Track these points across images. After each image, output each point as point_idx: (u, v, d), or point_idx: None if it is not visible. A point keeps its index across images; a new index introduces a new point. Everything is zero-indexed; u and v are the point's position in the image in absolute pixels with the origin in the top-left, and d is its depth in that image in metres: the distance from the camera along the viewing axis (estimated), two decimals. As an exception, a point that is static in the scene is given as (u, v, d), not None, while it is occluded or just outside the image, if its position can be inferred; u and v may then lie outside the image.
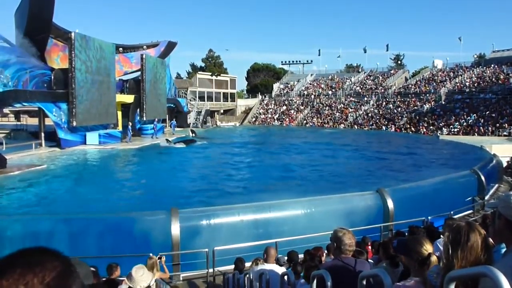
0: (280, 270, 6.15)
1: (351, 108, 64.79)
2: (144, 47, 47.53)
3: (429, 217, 11.92)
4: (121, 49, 44.45)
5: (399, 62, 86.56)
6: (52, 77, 30.94)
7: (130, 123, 37.99)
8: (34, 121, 35.75)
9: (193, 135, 43.92)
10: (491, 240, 2.46)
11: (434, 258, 3.07)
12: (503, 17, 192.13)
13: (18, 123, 40.86)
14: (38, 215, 12.24)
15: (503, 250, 2.24)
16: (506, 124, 44.11)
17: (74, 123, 30.75)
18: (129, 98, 40.06)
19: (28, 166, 23.14)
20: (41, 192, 17.87)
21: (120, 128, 37.94)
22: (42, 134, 31.34)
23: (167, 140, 36.99)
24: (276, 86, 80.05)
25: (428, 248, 3.18)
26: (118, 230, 11.00)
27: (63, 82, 30.59)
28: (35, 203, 16.09)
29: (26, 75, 28.66)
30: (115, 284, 5.63)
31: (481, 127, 45.79)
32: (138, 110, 40.87)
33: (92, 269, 4.59)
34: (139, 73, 42.24)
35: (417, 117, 54.82)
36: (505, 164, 24.65)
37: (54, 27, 34.91)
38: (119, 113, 38.85)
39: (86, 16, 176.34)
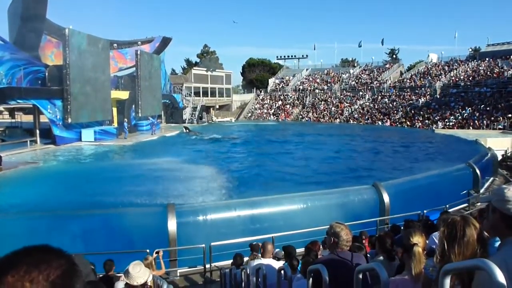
0: (277, 264, 6.17)
1: (347, 103, 64.85)
2: (139, 43, 47.31)
3: (425, 211, 11.96)
4: (115, 45, 44.23)
5: (394, 56, 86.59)
6: (47, 74, 30.80)
7: (126, 120, 37.95)
8: (29, 118, 35.60)
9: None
10: (486, 233, 2.47)
11: (418, 249, 3.09)
12: (498, 11, 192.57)
13: (12, 121, 40.63)
14: (34, 213, 12.20)
15: (497, 243, 2.25)
16: (501, 118, 44.27)
17: (69, 120, 30.63)
18: (124, 95, 39.90)
19: (24, 164, 23.05)
20: (37, 189, 17.79)
21: (115, 124, 37.86)
22: (37, 131, 31.19)
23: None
24: (271, 81, 79.92)
25: (416, 239, 3.20)
26: (115, 226, 11.00)
27: (57, 79, 30.43)
28: (31, 200, 16.02)
29: (20, 72, 28.52)
30: (111, 280, 5.64)
31: (476, 121, 45.94)
32: (134, 106, 40.76)
33: (91, 266, 4.59)
34: (134, 69, 42.08)
35: (413, 111, 54.93)
36: (500, 158, 24.77)
37: (48, 23, 34.70)
38: (114, 110, 38.73)
39: (80, 12, 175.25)
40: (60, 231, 10.28)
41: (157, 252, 8.53)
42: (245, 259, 8.41)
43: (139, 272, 4.50)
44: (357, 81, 70.65)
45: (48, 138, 31.11)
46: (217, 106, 72.33)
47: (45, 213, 11.86)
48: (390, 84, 65.27)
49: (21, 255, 1.04)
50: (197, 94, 65.68)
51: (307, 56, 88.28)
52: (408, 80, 64.42)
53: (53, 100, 29.92)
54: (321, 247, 6.77)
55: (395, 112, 56.97)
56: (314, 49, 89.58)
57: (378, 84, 66.39)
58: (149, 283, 4.77)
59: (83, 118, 32.38)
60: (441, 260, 2.29)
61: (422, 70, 66.22)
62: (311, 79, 77.02)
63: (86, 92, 32.33)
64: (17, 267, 0.99)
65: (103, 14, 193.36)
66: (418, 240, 3.20)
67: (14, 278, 0.97)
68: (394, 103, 59.39)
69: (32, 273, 0.99)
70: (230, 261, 9.12)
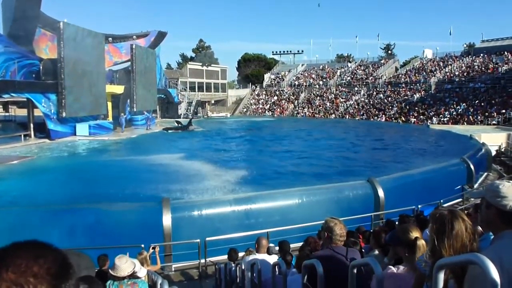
0: (272, 260, 6.18)
1: (342, 98, 64.90)
2: (134, 37, 47.06)
3: (419, 206, 12.02)
4: (110, 39, 44.00)
5: (389, 51, 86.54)
6: (41, 68, 30.63)
7: (123, 114, 37.95)
8: (23, 112, 35.38)
9: (179, 125, 43.59)
10: (479, 228, 2.48)
11: (421, 242, 3.11)
12: (492, 7, 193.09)
13: (6, 114, 40.37)
14: (27, 207, 12.16)
15: (491, 238, 2.26)
16: (495, 113, 44.42)
17: (64, 114, 30.50)
18: (119, 89, 39.74)
19: (17, 158, 22.93)
20: (30, 184, 17.72)
21: (110, 119, 37.73)
22: (31, 125, 31.05)
23: (164, 129, 41.48)
24: (267, 77, 79.82)
25: (414, 234, 3.21)
26: (109, 221, 10.97)
27: (52, 73, 30.27)
28: (24, 195, 15.96)
29: (14, 65, 28.33)
30: (105, 275, 5.63)
31: (470, 116, 46.10)
32: (129, 101, 40.59)
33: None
34: (129, 63, 41.88)
35: (408, 107, 55.04)
36: (494, 153, 24.87)
37: (43, 16, 34.46)
38: (109, 104, 38.59)
39: (75, 6, 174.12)
40: (54, 225, 10.24)
41: (154, 248, 8.51)
42: (240, 254, 8.42)
43: (126, 263, 4.51)
44: (352, 76, 70.68)
45: (42, 132, 30.98)
46: (213, 101, 72.21)
47: (38, 207, 11.82)
48: (385, 79, 65.32)
49: (15, 250, 1.03)
50: (192, 89, 65.53)
51: (302, 51, 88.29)
52: (403, 76, 64.49)
53: (47, 94, 29.77)
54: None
55: (390, 107, 57.07)
56: (310, 44, 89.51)
57: (373, 80, 66.45)
58: (142, 277, 4.77)
59: (77, 112, 32.24)
60: (432, 255, 2.30)
61: (417, 65, 66.28)
62: (306, 74, 76.99)
63: (80, 86, 32.17)
64: (15, 262, 0.99)
65: (98, 7, 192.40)
66: (417, 234, 3.22)
67: (16, 275, 0.97)
68: (389, 99, 59.49)
69: (33, 268, 0.99)
70: (225, 256, 9.13)
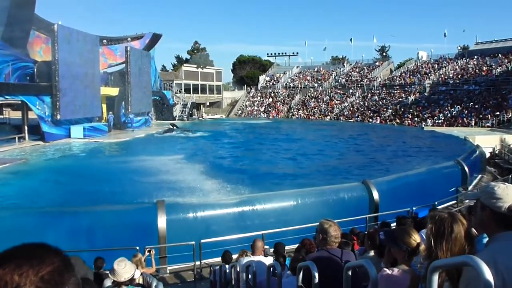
0: (267, 261, 6.17)
1: (337, 100, 65.02)
2: (129, 39, 46.99)
3: (414, 208, 12.05)
4: (105, 41, 43.91)
5: (384, 53, 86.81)
6: (35, 70, 30.56)
7: (111, 113, 38.14)
8: (17, 114, 35.26)
9: (174, 128, 43.57)
10: (474, 230, 2.49)
11: (423, 247, 3.12)
12: (486, 10, 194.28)
13: (0, 117, 40.18)
14: (22, 209, 12.09)
15: (485, 240, 2.27)
16: (489, 115, 44.61)
17: (58, 117, 30.40)
18: (113, 91, 39.67)
19: (12, 160, 22.82)
20: (23, 186, 17.63)
21: (105, 121, 37.65)
22: (26, 128, 30.93)
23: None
24: (262, 78, 79.88)
25: (416, 238, 3.21)
26: (104, 223, 10.93)
27: (46, 75, 30.19)
28: (19, 197, 15.88)
29: (8, 68, 28.20)
30: (101, 278, 5.62)
31: (464, 119, 46.28)
32: (123, 103, 40.51)
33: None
34: (123, 65, 41.83)
35: (402, 109, 55.21)
36: (488, 155, 24.98)
37: (37, 18, 34.33)
38: (104, 106, 38.50)
39: (69, 8, 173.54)
40: (48, 228, 10.18)
41: (149, 251, 8.49)
42: (234, 256, 8.41)
43: (124, 268, 4.50)
44: (347, 78, 70.84)
45: (36, 135, 30.86)
46: (208, 103, 72.17)
47: (33, 209, 11.75)
48: (380, 81, 65.51)
49: (16, 250, 1.06)
50: (187, 91, 65.49)
51: (297, 53, 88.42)
52: (398, 78, 64.70)
53: (41, 96, 29.67)
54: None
55: (385, 109, 57.24)
56: (306, 45, 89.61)
57: (368, 82, 66.62)
58: (136, 279, 4.75)
59: (72, 114, 32.14)
60: (428, 257, 2.30)
61: (412, 68, 66.51)
62: (301, 76, 77.10)
63: (75, 89, 32.09)
64: (9, 261, 1.01)
65: (93, 10, 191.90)
66: (418, 238, 3.22)
67: (4, 271, 0.99)
68: (384, 101, 59.67)
69: (22, 267, 1.00)
70: (220, 258, 9.11)
